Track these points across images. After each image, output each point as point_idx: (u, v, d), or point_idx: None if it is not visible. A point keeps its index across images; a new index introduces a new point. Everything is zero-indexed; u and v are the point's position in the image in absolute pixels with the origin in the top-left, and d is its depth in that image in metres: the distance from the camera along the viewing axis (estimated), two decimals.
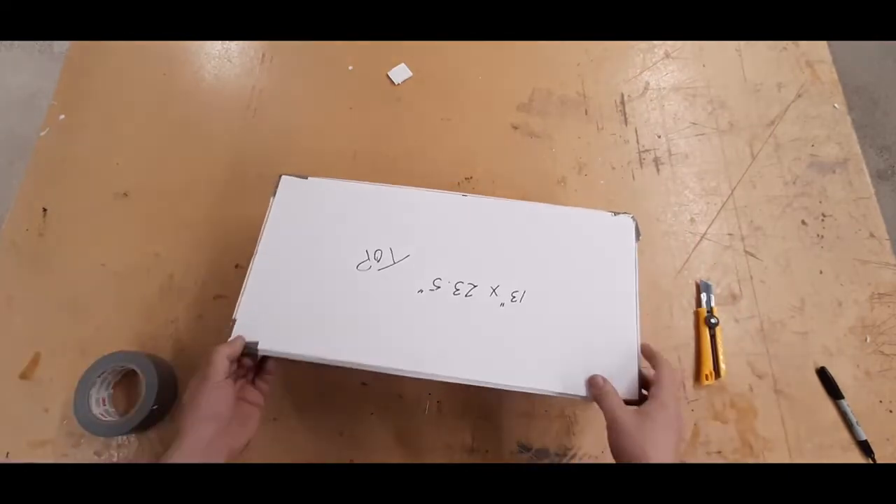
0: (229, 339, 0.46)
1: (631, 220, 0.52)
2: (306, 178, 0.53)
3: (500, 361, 0.46)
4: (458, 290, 0.49)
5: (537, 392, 0.46)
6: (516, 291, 0.49)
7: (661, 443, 0.40)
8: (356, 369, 0.46)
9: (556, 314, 0.48)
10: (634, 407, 0.43)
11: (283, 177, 0.53)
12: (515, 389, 0.46)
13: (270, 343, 0.46)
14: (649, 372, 0.46)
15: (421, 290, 0.49)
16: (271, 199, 0.52)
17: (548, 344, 0.47)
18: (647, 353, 0.47)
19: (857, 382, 0.58)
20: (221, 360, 0.44)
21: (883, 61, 1.58)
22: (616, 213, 0.52)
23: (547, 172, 0.67)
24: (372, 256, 0.50)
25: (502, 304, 0.48)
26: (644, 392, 0.46)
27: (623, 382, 0.45)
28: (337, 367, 0.49)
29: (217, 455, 0.41)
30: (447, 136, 0.70)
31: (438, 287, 0.49)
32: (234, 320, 0.47)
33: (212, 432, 0.41)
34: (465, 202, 0.53)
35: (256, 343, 0.46)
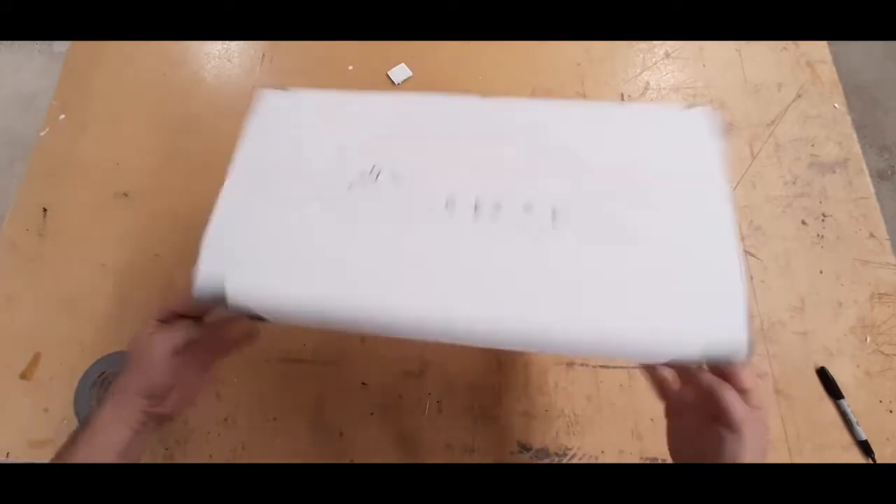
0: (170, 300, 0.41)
1: (706, 110, 0.40)
2: (288, 91, 0.45)
3: (536, 307, 0.34)
4: (479, 211, 0.37)
5: (598, 350, 0.37)
6: (557, 213, 0.37)
7: (762, 452, 0.34)
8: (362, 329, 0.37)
9: (613, 244, 0.36)
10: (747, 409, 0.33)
11: (262, 90, 0.45)
12: (564, 345, 0.36)
13: (244, 294, 0.36)
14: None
15: (431, 210, 0.37)
16: (247, 119, 0.44)
17: (605, 285, 0.34)
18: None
19: (857, 382, 0.57)
20: (173, 337, 0.38)
21: (883, 61, 1.58)
22: (690, 106, 0.40)
23: None
24: (368, 174, 0.40)
25: (539, 230, 0.36)
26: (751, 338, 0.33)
27: (721, 327, 0.33)
28: (341, 364, 0.49)
29: (127, 431, 0.37)
30: None
31: (453, 208, 0.37)
32: (197, 270, 0.37)
33: (134, 406, 0.37)
34: (485, 107, 0.42)
35: (223, 287, 0.36)
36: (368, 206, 0.38)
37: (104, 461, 0.37)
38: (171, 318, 0.40)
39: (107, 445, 0.37)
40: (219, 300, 0.36)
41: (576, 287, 0.35)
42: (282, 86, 0.46)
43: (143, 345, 0.39)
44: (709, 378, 0.35)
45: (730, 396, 0.33)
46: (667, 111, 0.41)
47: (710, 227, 0.36)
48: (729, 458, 0.33)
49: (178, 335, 0.39)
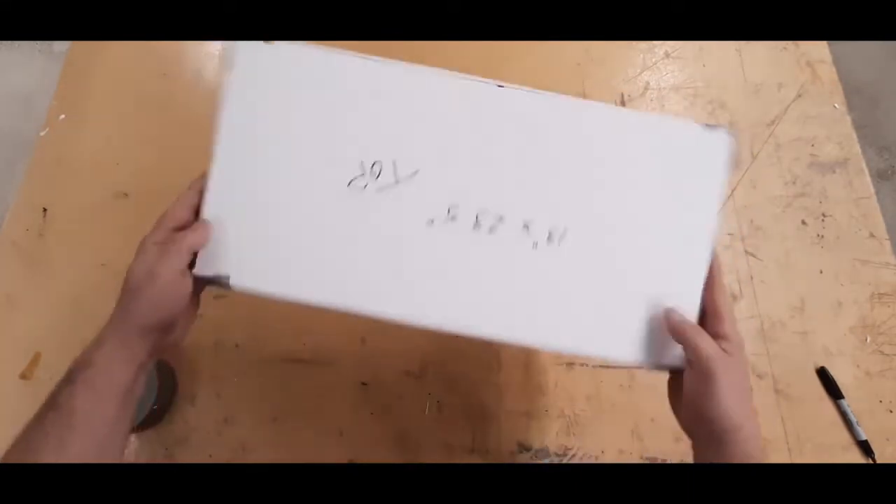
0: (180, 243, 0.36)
1: (727, 134, 0.38)
2: (273, 44, 0.39)
3: (525, 317, 0.37)
4: (479, 222, 0.37)
5: (573, 353, 0.41)
6: (555, 229, 0.37)
7: (746, 391, 0.34)
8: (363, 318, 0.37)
9: (608, 262, 0.37)
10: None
11: (238, 44, 0.39)
12: (548, 349, 0.40)
13: (242, 278, 0.37)
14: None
15: (431, 221, 0.37)
16: (225, 78, 0.39)
17: (595, 301, 0.37)
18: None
19: (857, 382, 0.57)
20: (180, 254, 0.35)
21: (883, 61, 1.58)
22: (708, 126, 0.38)
23: None
24: (368, 170, 0.38)
25: (535, 245, 0.37)
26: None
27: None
28: (341, 364, 0.49)
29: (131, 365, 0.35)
30: None
31: (454, 218, 0.37)
32: (198, 257, 0.37)
33: (148, 348, 0.35)
34: (498, 96, 0.39)
35: (228, 277, 0.37)
36: (368, 209, 0.37)
37: (106, 404, 0.34)
38: (169, 236, 0.36)
39: (110, 387, 0.34)
40: (220, 283, 0.37)
41: (563, 304, 0.37)
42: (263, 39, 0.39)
43: (148, 271, 0.34)
44: (677, 320, 0.36)
45: (698, 338, 0.34)
46: (689, 129, 0.39)
47: (687, 258, 0.38)
48: (707, 402, 0.33)
49: (184, 252, 0.35)
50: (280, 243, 0.37)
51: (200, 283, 0.38)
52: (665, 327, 0.37)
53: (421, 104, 0.39)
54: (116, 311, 0.36)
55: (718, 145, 0.38)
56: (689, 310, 0.37)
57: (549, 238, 0.37)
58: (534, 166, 0.38)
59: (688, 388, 0.35)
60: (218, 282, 0.37)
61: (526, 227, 0.37)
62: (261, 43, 0.38)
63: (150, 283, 0.34)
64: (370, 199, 0.38)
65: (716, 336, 0.35)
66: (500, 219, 0.37)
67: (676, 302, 0.37)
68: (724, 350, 0.34)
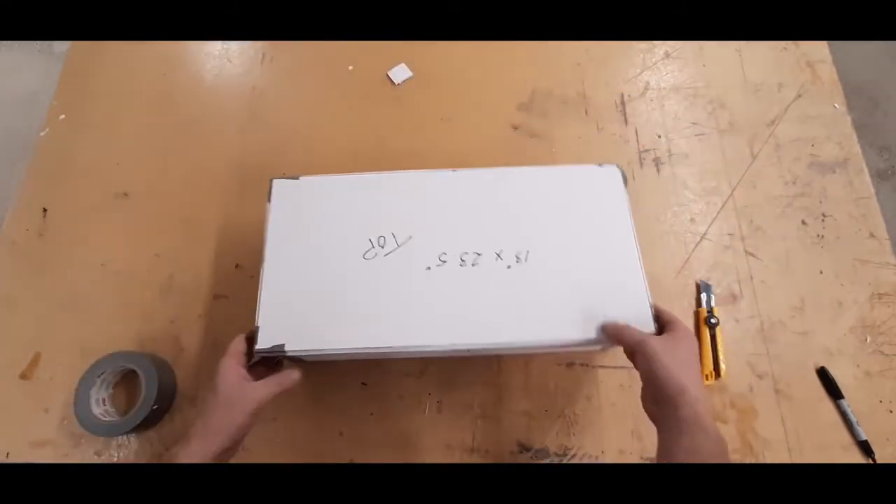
0: (236, 347, 0.47)
1: (616, 168, 0.55)
2: (298, 179, 0.55)
3: (513, 321, 0.48)
4: (463, 260, 0.50)
5: (555, 345, 0.48)
6: (520, 252, 0.50)
7: (687, 361, 0.42)
8: (372, 359, 0.50)
9: (561, 268, 0.50)
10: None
11: (275, 181, 0.54)
12: (534, 346, 0.48)
13: (294, 344, 0.47)
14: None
15: (428, 268, 0.50)
16: (267, 204, 0.53)
17: (558, 297, 0.49)
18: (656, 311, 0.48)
19: (857, 382, 0.57)
20: (229, 368, 0.44)
21: (883, 61, 1.58)
22: (601, 164, 0.55)
23: None
24: (376, 244, 0.51)
25: (509, 267, 0.50)
26: (657, 325, 0.47)
27: (637, 319, 0.47)
28: (341, 364, 0.49)
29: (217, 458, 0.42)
30: (447, 136, 0.70)
31: (444, 262, 0.50)
32: (257, 327, 0.48)
33: (219, 446, 0.41)
34: (456, 177, 0.54)
35: (283, 345, 0.47)
36: (380, 269, 0.50)
37: None
38: (251, 365, 0.47)
39: None
40: (277, 352, 0.47)
41: (539, 306, 0.48)
42: (293, 175, 0.55)
43: (237, 394, 0.43)
44: (609, 325, 0.46)
45: (626, 331, 0.44)
46: (589, 169, 0.55)
47: (622, 256, 0.50)
48: (653, 375, 0.41)
49: (270, 390, 0.44)
50: (319, 312, 0.49)
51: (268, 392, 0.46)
52: (607, 336, 0.46)
53: (405, 193, 0.54)
54: (203, 418, 0.43)
55: (613, 175, 0.54)
56: (640, 296, 0.48)
57: (517, 259, 0.50)
58: (495, 216, 0.52)
59: (640, 371, 0.43)
60: (276, 352, 0.47)
61: (498, 256, 0.50)
62: (290, 180, 0.54)
63: (234, 401, 0.43)
64: (381, 262, 0.50)
65: (664, 325, 0.46)
66: (479, 255, 0.50)
67: (626, 292, 0.49)
68: (669, 332, 0.44)
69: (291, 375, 0.46)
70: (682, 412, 0.38)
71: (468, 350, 0.49)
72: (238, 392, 0.43)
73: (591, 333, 0.47)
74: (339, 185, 0.54)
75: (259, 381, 0.45)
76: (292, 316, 0.48)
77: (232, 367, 0.44)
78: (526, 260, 0.50)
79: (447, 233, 0.52)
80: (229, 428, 0.42)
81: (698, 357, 0.44)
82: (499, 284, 0.49)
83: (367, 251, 0.51)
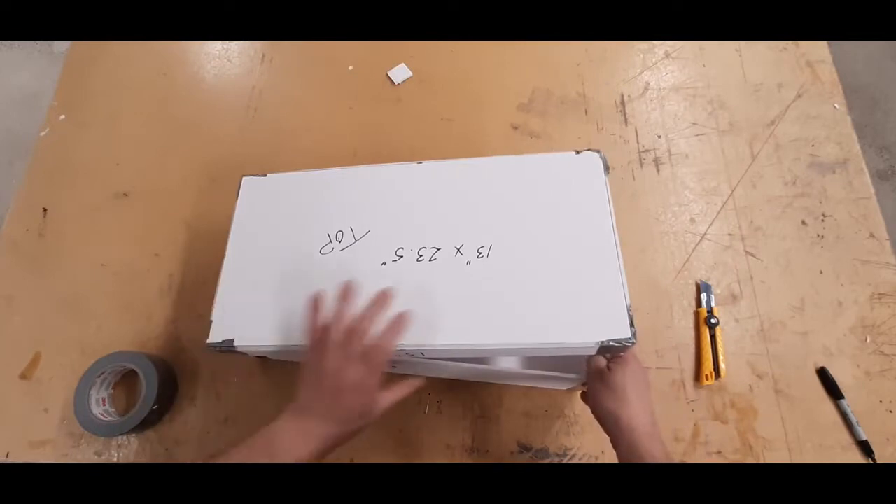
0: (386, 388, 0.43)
1: (597, 155, 0.51)
2: (265, 176, 0.55)
3: (469, 322, 0.44)
4: (421, 255, 0.48)
5: (512, 349, 0.45)
6: (482, 247, 0.47)
7: (636, 389, 0.44)
8: None
9: (527, 264, 0.46)
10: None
11: (244, 178, 0.55)
12: (487, 350, 0.45)
13: (243, 340, 0.47)
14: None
15: (384, 263, 0.48)
16: (235, 201, 0.53)
17: (523, 295, 0.45)
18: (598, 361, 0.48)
19: (857, 382, 0.57)
20: (385, 405, 0.43)
21: (883, 61, 1.58)
22: (579, 151, 0.51)
23: None
24: (333, 238, 0.50)
25: (468, 262, 0.47)
26: (633, 328, 0.44)
27: (611, 321, 0.43)
28: None
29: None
30: (447, 136, 0.70)
31: (401, 257, 0.48)
32: (211, 321, 0.48)
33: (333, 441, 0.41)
34: (422, 169, 0.53)
35: (232, 340, 0.46)
36: (335, 264, 0.48)
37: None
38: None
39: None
40: (226, 347, 0.47)
41: (497, 305, 0.45)
42: (262, 172, 0.55)
43: (374, 398, 0.41)
44: (590, 359, 0.47)
45: (592, 359, 0.47)
46: (567, 157, 0.51)
47: (600, 251, 0.46)
48: (596, 396, 0.45)
49: (399, 395, 0.43)
50: (271, 308, 0.48)
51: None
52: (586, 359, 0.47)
53: (371, 187, 0.52)
54: (306, 402, 0.42)
55: (592, 162, 0.50)
56: (616, 295, 0.44)
57: (479, 254, 0.47)
58: (459, 209, 0.50)
59: (590, 388, 0.47)
60: (225, 347, 0.47)
61: (458, 250, 0.47)
62: (257, 177, 0.55)
63: (367, 404, 0.41)
64: (335, 257, 0.49)
65: (614, 359, 0.46)
66: (437, 250, 0.48)
67: (600, 291, 0.44)
68: (616, 363, 0.46)
69: (414, 384, 0.45)
70: (622, 442, 0.43)
71: (420, 355, 0.46)
72: (375, 396, 0.42)
73: (556, 338, 0.43)
74: (306, 180, 0.54)
75: (386, 391, 0.43)
76: (246, 311, 0.48)
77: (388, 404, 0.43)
78: (487, 256, 0.47)
79: (407, 228, 0.49)
80: (350, 436, 0.41)
81: (644, 376, 0.46)
82: (456, 281, 0.46)
83: (324, 246, 0.49)
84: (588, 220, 0.48)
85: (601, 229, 0.47)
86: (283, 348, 0.46)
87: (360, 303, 0.43)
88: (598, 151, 0.51)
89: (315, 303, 0.44)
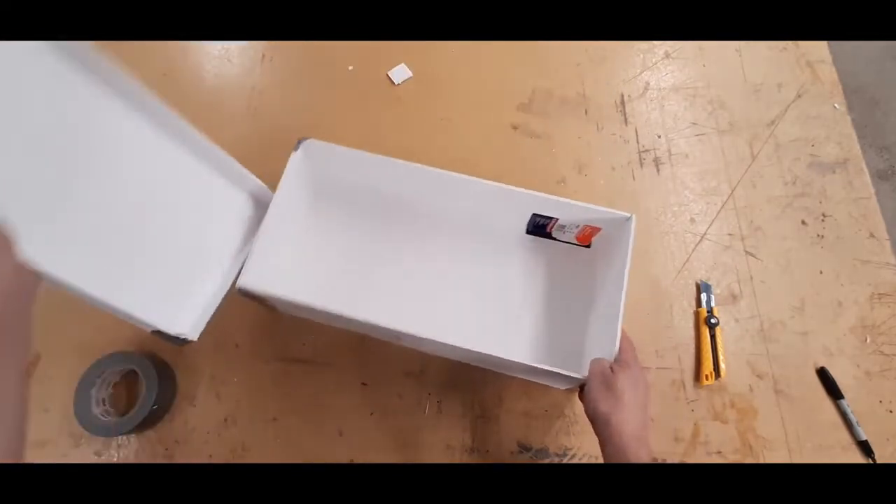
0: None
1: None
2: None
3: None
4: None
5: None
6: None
7: (634, 394, 0.45)
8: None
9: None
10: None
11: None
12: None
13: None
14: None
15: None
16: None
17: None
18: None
19: (857, 382, 0.57)
20: None
21: (883, 61, 1.58)
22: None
23: (547, 172, 0.67)
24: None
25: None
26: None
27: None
28: (341, 363, 0.49)
29: None
30: (447, 136, 0.70)
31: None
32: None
33: None
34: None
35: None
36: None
37: None
38: None
39: None
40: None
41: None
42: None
43: None
44: (594, 361, 0.49)
45: (591, 363, 0.48)
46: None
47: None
48: (588, 394, 0.46)
49: None
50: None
51: None
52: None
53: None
54: None
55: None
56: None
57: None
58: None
59: (588, 388, 0.47)
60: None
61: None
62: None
63: None
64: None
65: (617, 360, 0.48)
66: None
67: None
68: (618, 366, 0.47)
69: None
70: (610, 443, 0.44)
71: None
72: None
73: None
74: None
75: None
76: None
77: None
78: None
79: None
80: None
81: (643, 380, 0.47)
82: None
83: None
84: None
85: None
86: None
87: None
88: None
89: None
